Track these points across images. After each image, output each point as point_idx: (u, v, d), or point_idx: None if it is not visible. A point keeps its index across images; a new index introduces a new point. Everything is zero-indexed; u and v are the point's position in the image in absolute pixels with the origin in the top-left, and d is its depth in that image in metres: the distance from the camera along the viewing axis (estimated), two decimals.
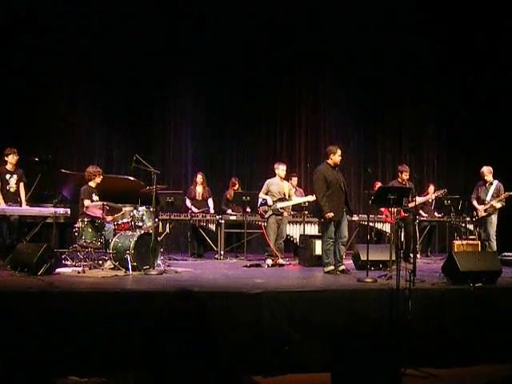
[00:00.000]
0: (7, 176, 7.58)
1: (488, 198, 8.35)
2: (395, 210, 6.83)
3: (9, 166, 7.60)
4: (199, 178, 9.62)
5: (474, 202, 8.54)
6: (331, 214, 6.67)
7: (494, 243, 8.15)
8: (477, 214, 8.46)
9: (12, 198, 7.54)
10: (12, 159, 7.56)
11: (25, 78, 9.55)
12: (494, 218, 8.28)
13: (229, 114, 11.27)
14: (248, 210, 9.16)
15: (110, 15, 10.07)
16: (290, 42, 10.93)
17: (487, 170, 8.43)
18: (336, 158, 6.91)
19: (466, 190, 8.40)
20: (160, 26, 10.35)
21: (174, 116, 11.36)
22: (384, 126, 12.20)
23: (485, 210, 8.33)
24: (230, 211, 9.55)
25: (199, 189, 9.65)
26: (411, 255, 6.77)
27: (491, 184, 8.41)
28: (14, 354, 3.98)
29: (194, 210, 9.45)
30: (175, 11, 10.40)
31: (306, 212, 8.92)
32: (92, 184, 7.32)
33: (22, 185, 7.68)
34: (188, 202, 9.54)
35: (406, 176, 8.41)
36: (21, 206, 7.57)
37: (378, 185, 9.13)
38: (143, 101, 10.79)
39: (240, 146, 11.63)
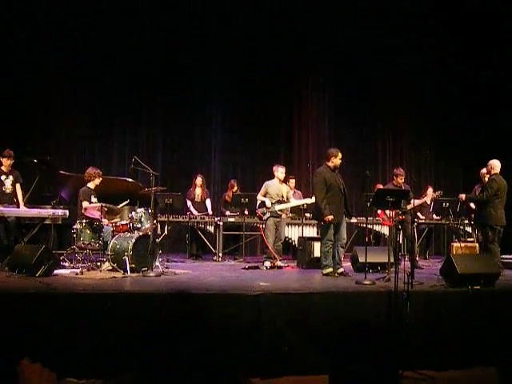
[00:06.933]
0: (2, 177, 7.49)
1: None
2: (392, 212, 6.81)
3: (4, 168, 7.50)
4: (199, 180, 9.64)
5: (471, 204, 8.52)
6: (331, 217, 6.68)
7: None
8: (474, 216, 8.44)
9: (8, 200, 7.45)
10: (6, 162, 7.43)
11: (25, 78, 9.53)
12: None
13: (229, 116, 11.28)
14: (246, 212, 9.15)
15: (111, 15, 10.07)
16: (290, 46, 10.93)
17: (486, 172, 8.39)
18: (337, 160, 6.93)
19: (464, 192, 8.38)
20: (161, 27, 10.34)
21: (174, 117, 11.35)
22: (383, 129, 12.22)
23: None
24: (228, 213, 9.56)
25: (198, 191, 9.65)
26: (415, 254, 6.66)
27: None
28: (12, 356, 3.97)
29: (194, 212, 9.45)
30: (175, 12, 10.40)
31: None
32: (91, 185, 7.32)
33: (18, 186, 7.54)
34: (189, 203, 9.54)
35: (401, 180, 8.12)
36: (18, 207, 7.47)
37: (379, 187, 9.07)
38: (144, 102, 10.80)
39: (240, 148, 11.63)
